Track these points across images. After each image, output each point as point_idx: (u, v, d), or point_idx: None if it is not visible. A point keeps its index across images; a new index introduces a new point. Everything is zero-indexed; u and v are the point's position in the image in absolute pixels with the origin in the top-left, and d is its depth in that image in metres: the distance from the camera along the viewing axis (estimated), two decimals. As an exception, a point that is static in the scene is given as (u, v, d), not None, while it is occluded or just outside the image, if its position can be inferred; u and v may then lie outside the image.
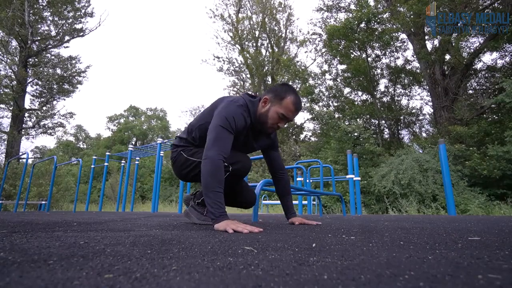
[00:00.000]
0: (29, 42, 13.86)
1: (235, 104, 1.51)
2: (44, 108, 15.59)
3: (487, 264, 0.55)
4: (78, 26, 15.52)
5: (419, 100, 20.65)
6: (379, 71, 13.89)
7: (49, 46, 15.22)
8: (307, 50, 18.58)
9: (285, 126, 1.66)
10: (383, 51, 13.23)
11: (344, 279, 0.43)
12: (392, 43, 12.58)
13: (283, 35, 18.79)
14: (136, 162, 8.85)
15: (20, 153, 12.93)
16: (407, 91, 14.21)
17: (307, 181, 5.10)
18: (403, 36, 12.82)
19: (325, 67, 15.31)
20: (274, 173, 1.87)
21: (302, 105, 1.62)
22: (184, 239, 0.93)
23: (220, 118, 1.47)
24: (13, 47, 14.59)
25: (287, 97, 1.53)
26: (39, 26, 14.77)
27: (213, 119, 1.50)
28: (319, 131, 14.77)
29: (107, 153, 8.13)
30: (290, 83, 17.22)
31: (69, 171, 20.60)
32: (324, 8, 14.54)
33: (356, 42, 12.35)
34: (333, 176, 5.42)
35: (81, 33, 15.53)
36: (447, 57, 10.97)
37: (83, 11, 15.52)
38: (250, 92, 1.62)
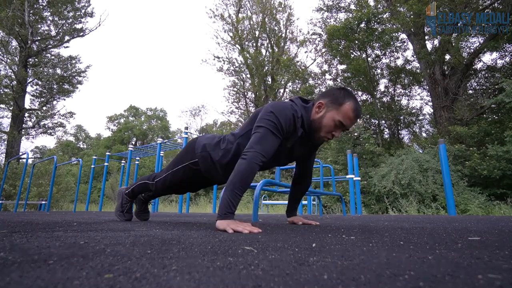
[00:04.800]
0: (29, 42, 13.87)
1: (284, 105, 1.37)
2: (44, 108, 15.60)
3: (487, 264, 0.55)
4: (78, 26, 15.54)
5: (419, 100, 20.67)
6: (379, 71, 13.90)
7: (49, 46, 15.24)
8: (307, 50, 18.58)
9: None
10: (383, 51, 13.24)
11: (344, 279, 0.43)
12: (392, 43, 12.58)
13: (283, 35, 18.80)
14: (136, 162, 8.85)
15: (20, 153, 12.93)
16: (407, 91, 14.22)
17: (307, 181, 5.09)
18: (403, 36, 12.83)
19: (325, 67, 15.33)
20: (303, 177, 1.78)
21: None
22: (184, 239, 0.93)
23: (265, 118, 1.35)
24: (13, 47, 14.61)
25: (346, 102, 1.36)
26: (39, 26, 14.78)
27: (259, 119, 1.37)
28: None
29: (107, 153, 8.13)
30: (291, 83, 17.25)
31: (69, 171, 20.60)
32: (324, 8, 14.55)
33: (356, 42, 12.35)
34: (333, 176, 5.42)
35: (81, 33, 15.54)
36: (447, 57, 10.98)
37: (83, 11, 15.53)
38: (302, 96, 1.52)
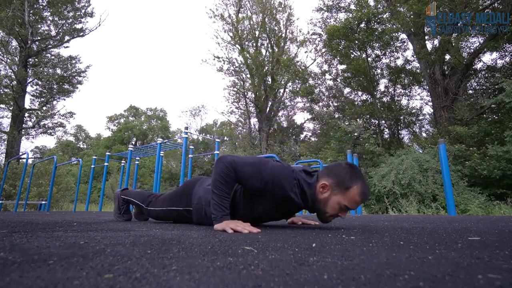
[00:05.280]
0: (29, 42, 13.86)
1: (288, 175, 1.30)
2: (44, 108, 15.59)
3: (487, 264, 0.55)
4: (78, 26, 15.53)
5: (419, 100, 20.68)
6: (379, 71, 13.91)
7: (49, 46, 15.23)
8: (307, 50, 18.54)
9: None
10: (383, 51, 13.24)
11: (344, 279, 0.43)
12: (392, 43, 12.59)
13: (283, 35, 18.78)
14: (136, 162, 8.85)
15: (20, 153, 12.92)
16: (407, 91, 14.23)
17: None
18: (403, 36, 12.83)
19: (325, 67, 15.33)
20: None
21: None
22: (184, 239, 0.93)
23: (267, 160, 1.34)
24: (13, 47, 14.60)
25: (353, 186, 1.27)
26: (39, 26, 14.77)
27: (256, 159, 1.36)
28: (319, 131, 14.80)
29: (107, 153, 8.12)
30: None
31: (69, 171, 20.60)
32: (324, 8, 14.55)
33: (356, 42, 12.36)
34: (333, 176, 5.41)
35: (81, 33, 15.54)
36: (447, 57, 10.98)
37: (83, 11, 15.53)
38: (306, 168, 1.42)
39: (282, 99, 19.16)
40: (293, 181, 1.30)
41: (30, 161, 14.46)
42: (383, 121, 13.59)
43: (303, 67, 16.80)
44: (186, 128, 6.36)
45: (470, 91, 11.78)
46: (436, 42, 11.57)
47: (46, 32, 15.11)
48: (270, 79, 18.62)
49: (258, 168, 1.29)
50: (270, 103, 18.82)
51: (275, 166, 1.31)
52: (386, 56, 13.54)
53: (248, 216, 1.47)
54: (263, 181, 1.28)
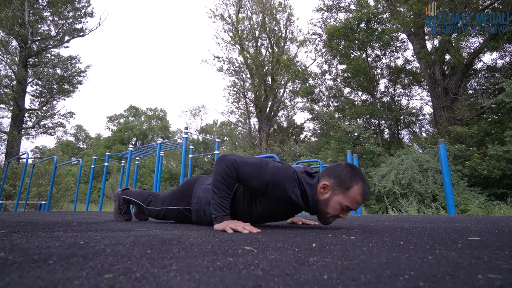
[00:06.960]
0: (29, 42, 13.86)
1: (289, 176, 1.29)
2: (44, 108, 15.59)
3: (487, 264, 0.55)
4: (78, 26, 15.53)
5: (419, 100, 20.70)
6: (379, 71, 13.89)
7: (49, 46, 15.23)
8: (307, 50, 18.58)
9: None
10: (383, 51, 13.23)
11: (344, 279, 0.43)
12: (392, 43, 12.57)
13: (283, 35, 18.79)
14: (136, 162, 8.85)
15: (20, 153, 12.92)
16: (407, 91, 14.21)
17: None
18: (403, 36, 12.83)
19: (325, 67, 15.32)
20: None
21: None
22: (184, 239, 0.93)
23: (270, 161, 1.34)
24: (13, 47, 14.59)
25: (354, 186, 1.27)
26: (39, 26, 14.77)
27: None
28: (319, 131, 14.79)
29: (107, 153, 8.12)
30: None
31: (69, 171, 20.59)
32: (324, 8, 14.54)
33: (356, 42, 12.35)
34: (333, 176, 5.40)
35: (81, 33, 15.53)
36: (447, 57, 10.97)
37: (83, 11, 15.52)
38: (308, 168, 1.44)
39: (282, 99, 19.17)
40: (294, 182, 1.30)
41: (30, 161, 14.46)
42: (383, 121, 13.57)
43: (303, 67, 16.79)
44: (186, 128, 6.35)
45: (470, 91, 11.78)
46: (436, 42, 11.56)
47: (46, 32, 15.11)
48: (270, 79, 18.62)
49: (258, 168, 1.29)
50: (270, 103, 18.82)
51: (276, 167, 1.31)
52: (386, 56, 13.53)
53: (248, 216, 1.47)
54: (263, 181, 1.28)
